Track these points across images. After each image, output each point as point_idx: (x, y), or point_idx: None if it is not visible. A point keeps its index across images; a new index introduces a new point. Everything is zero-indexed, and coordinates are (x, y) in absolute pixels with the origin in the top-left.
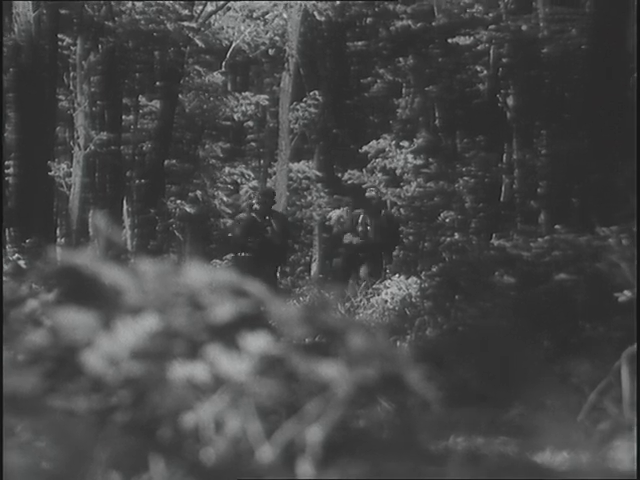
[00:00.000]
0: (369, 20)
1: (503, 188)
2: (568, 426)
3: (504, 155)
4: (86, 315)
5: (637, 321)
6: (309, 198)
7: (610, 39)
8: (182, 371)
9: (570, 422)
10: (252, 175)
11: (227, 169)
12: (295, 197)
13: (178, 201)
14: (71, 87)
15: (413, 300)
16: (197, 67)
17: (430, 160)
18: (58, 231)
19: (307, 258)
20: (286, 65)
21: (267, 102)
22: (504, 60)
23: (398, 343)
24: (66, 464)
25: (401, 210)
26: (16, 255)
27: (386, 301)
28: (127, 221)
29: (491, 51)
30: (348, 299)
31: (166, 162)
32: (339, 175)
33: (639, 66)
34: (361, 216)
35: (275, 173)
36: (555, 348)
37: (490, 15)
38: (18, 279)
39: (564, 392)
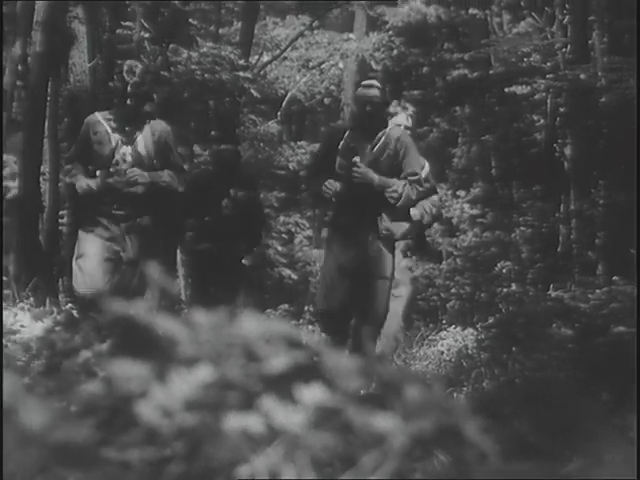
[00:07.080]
0: (425, 69)
1: (560, 238)
2: None
3: (561, 205)
4: (140, 366)
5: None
6: None
7: None
8: (237, 422)
9: (628, 477)
10: (307, 224)
11: (282, 218)
12: None
13: None
14: None
15: (469, 351)
16: (252, 116)
17: (486, 210)
18: None
19: None
20: (342, 114)
21: None
22: (561, 109)
23: (455, 395)
24: None
25: (457, 260)
26: (69, 305)
27: (442, 352)
28: (181, 271)
29: (548, 100)
30: (403, 350)
31: None
32: None
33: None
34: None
35: None
36: (614, 401)
37: (548, 64)
38: (71, 329)
39: (623, 446)
